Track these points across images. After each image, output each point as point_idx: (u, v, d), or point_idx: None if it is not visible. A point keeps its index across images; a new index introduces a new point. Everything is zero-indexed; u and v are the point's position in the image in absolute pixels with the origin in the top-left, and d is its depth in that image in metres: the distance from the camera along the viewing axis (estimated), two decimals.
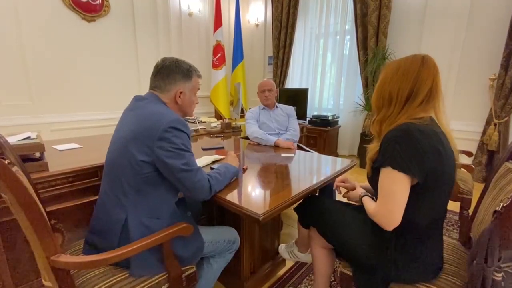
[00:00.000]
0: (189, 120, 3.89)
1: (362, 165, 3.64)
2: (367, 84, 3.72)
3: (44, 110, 3.25)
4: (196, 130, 2.37)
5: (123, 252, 0.80)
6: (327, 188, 1.40)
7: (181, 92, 1.06)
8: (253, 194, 1.13)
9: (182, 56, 4.65)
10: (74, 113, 3.49)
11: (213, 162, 1.46)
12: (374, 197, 1.05)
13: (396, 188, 0.81)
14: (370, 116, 3.64)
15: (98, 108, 3.68)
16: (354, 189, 1.17)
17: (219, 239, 1.14)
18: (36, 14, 3.05)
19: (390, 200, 0.82)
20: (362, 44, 3.69)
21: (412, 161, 0.79)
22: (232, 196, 1.07)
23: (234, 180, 1.21)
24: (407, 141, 0.80)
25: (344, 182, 1.22)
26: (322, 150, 3.91)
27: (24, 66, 3.04)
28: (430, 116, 0.89)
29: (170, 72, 1.04)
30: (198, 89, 1.15)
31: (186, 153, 0.94)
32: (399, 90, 0.89)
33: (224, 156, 1.48)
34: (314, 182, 1.23)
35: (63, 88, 3.35)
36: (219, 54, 4.49)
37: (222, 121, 2.77)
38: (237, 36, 4.66)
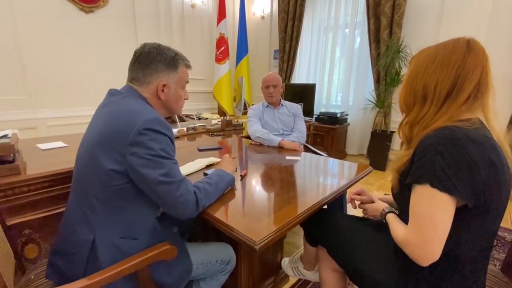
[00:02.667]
0: (191, 117, 3.72)
1: (372, 165, 3.41)
2: (379, 80, 3.49)
3: (41, 105, 3.13)
4: (194, 128, 2.20)
5: (82, 287, 0.63)
6: (337, 198, 1.22)
7: (164, 85, 0.88)
8: (250, 211, 0.92)
9: (184, 49, 4.48)
10: (72, 108, 3.36)
11: (208, 166, 1.29)
12: (400, 215, 0.86)
13: (436, 212, 0.63)
14: (381, 113, 3.42)
15: (97, 103, 3.53)
16: (372, 202, 0.99)
17: (211, 260, 0.97)
18: (32, 5, 2.91)
19: (428, 228, 0.64)
20: (374, 37, 3.45)
21: (459, 178, 0.61)
22: (223, 213, 0.88)
23: (228, 191, 1.03)
24: (452, 151, 0.61)
25: (359, 195, 1.04)
26: (329, 149, 3.72)
27: (20, 59, 2.93)
28: (478, 117, 0.69)
29: (150, 60, 0.85)
30: (187, 81, 0.97)
31: (166, 161, 0.76)
32: (437, 83, 0.70)
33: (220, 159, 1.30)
34: (327, 193, 1.03)
35: (61, 82, 3.22)
36: (223, 48, 4.30)
37: (222, 118, 2.59)
38: (242, 29, 4.47)
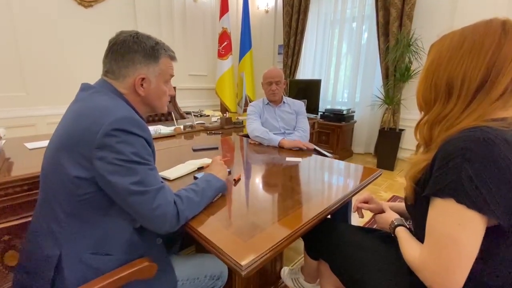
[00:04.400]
0: (194, 113, 3.62)
1: (380, 165, 3.29)
2: (388, 75, 3.33)
3: (40, 102, 3.08)
4: (191, 126, 2.10)
5: None
6: (341, 207, 1.10)
7: (142, 79, 0.77)
8: (240, 224, 0.77)
9: (186, 45, 4.42)
10: None
11: (200, 169, 1.18)
12: (413, 230, 0.74)
13: (461, 234, 0.51)
14: (390, 110, 3.26)
15: None
16: (381, 211, 0.87)
17: (199, 275, 0.87)
18: None
19: (450, 253, 0.52)
20: (383, 30, 3.29)
21: (492, 192, 0.49)
22: (207, 227, 0.75)
23: (218, 198, 0.92)
24: (484, 159, 0.50)
25: (367, 203, 0.92)
26: (335, 148, 3.58)
27: (18, 55, 2.88)
28: None
29: (126, 50, 0.74)
30: (172, 75, 0.85)
31: (139, 167, 0.66)
32: (464, 75, 0.57)
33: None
34: (331, 202, 0.90)
35: (60, 78, 3.15)
36: (225, 43, 4.18)
37: (222, 115, 2.48)
38: (245, 23, 4.33)
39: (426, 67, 0.66)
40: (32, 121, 3.07)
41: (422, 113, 0.69)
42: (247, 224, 0.76)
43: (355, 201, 0.97)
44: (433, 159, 0.58)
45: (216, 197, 0.90)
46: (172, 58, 0.84)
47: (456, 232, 0.51)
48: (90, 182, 0.64)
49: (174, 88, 3.25)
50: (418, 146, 0.70)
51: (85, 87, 0.76)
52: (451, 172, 0.52)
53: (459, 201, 0.51)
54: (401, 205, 0.89)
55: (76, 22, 3.18)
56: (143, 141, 0.68)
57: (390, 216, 0.80)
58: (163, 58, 0.80)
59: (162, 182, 0.72)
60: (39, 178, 0.74)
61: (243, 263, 0.58)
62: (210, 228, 0.74)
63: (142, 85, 0.77)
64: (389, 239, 0.83)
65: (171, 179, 1.06)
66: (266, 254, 0.62)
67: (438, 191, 0.54)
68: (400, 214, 0.83)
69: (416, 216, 0.69)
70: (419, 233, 0.67)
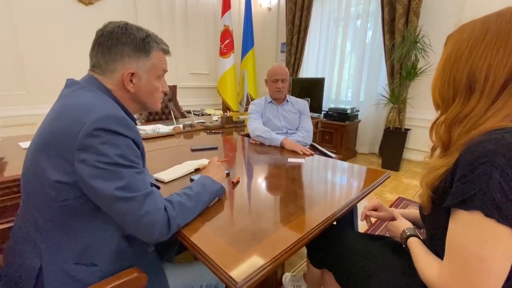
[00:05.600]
0: (194, 112, 3.56)
1: (385, 166, 3.21)
2: (393, 73, 3.25)
3: (40, 100, 3.06)
4: (191, 125, 2.05)
5: None
6: (347, 212, 1.03)
7: (132, 74, 0.71)
8: (237, 233, 0.70)
9: (187, 43, 4.37)
10: None
11: (197, 170, 1.13)
12: (427, 240, 0.68)
13: (490, 252, 0.45)
14: (395, 109, 3.18)
15: None
16: (392, 219, 0.81)
17: (194, 284, 0.81)
18: None
19: (477, 273, 0.46)
20: (389, 27, 3.20)
21: None
22: (201, 235, 0.68)
23: (215, 203, 0.85)
24: None
25: (376, 210, 0.85)
26: (338, 147, 3.51)
27: (18, 53, 2.85)
28: None
29: (113, 42, 0.68)
30: (165, 70, 0.79)
31: (125, 171, 0.60)
32: (489, 68, 0.51)
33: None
34: (335, 209, 0.83)
35: (60, 76, 3.07)
36: (227, 41, 4.12)
37: (222, 114, 2.42)
38: (247, 21, 4.28)
39: (443, 61, 0.60)
40: (33, 119, 3.05)
41: (439, 112, 0.62)
42: (245, 232, 0.70)
43: (362, 207, 0.90)
44: (454, 165, 0.51)
45: (213, 201, 0.83)
46: (165, 51, 0.78)
47: (484, 250, 0.45)
48: (72, 187, 0.59)
49: (175, 86, 3.20)
50: (433, 149, 0.64)
51: (69, 83, 0.70)
52: (477, 181, 0.46)
53: (487, 214, 0.44)
54: (413, 212, 0.82)
55: (77, 20, 3.15)
56: (129, 142, 0.62)
57: (402, 225, 0.73)
58: (155, 51, 0.74)
59: (152, 186, 0.67)
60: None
61: (238, 279, 0.52)
62: (204, 237, 0.67)
63: (131, 80, 0.71)
64: (399, 247, 0.76)
65: (166, 181, 1.01)
66: (264, 268, 0.56)
67: (462, 202, 0.48)
68: (413, 222, 0.77)
69: (432, 227, 0.62)
70: (435, 245, 0.60)
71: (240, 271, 0.54)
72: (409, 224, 0.73)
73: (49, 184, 0.58)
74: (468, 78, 0.54)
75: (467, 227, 0.48)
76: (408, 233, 0.69)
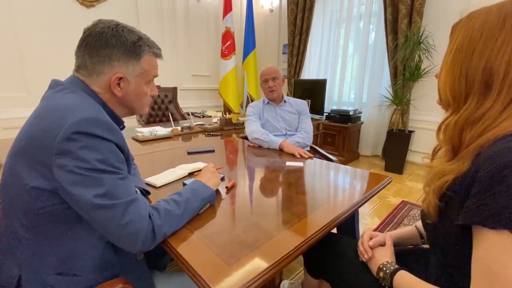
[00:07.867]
0: (195, 114, 3.54)
1: (388, 168, 3.15)
2: (396, 74, 3.19)
3: None
4: (189, 127, 2.02)
5: None
6: (347, 219, 0.99)
7: (120, 79, 0.67)
8: (227, 241, 0.66)
9: (189, 45, 4.35)
10: None
11: (191, 175, 1.10)
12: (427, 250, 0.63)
13: None
14: (399, 111, 3.12)
15: None
16: (383, 244, 0.74)
17: None
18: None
19: None
20: (392, 27, 3.15)
21: None
22: (188, 245, 0.64)
23: (206, 209, 0.81)
24: None
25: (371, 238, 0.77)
26: (341, 150, 3.46)
27: (19, 55, 2.86)
28: None
29: (102, 44, 0.65)
30: (155, 75, 0.76)
31: (106, 176, 0.56)
32: (509, 63, 0.45)
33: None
34: (335, 215, 0.78)
35: (61, 79, 3.11)
36: (229, 42, 4.11)
37: (221, 116, 2.39)
38: (249, 22, 4.26)
39: (452, 53, 0.53)
40: None
41: (448, 111, 0.55)
42: (235, 242, 0.66)
43: (362, 230, 0.83)
44: (467, 174, 0.46)
45: (203, 208, 0.80)
46: (157, 55, 0.75)
47: None
48: (51, 193, 0.56)
49: (175, 88, 3.17)
50: (435, 150, 0.59)
51: (53, 84, 0.67)
52: (504, 195, 0.40)
53: None
54: (407, 230, 0.78)
55: (78, 22, 3.15)
56: (111, 146, 0.59)
57: (380, 258, 0.66)
58: (146, 56, 0.71)
59: (141, 192, 0.64)
60: None
61: None
62: (192, 247, 0.64)
63: (119, 84, 0.68)
64: (404, 259, 0.72)
65: (157, 186, 0.98)
66: (253, 282, 0.53)
67: (486, 219, 0.42)
68: (408, 240, 0.72)
69: (438, 239, 0.57)
70: (441, 259, 0.56)
71: (229, 283, 0.51)
72: (387, 258, 0.67)
73: (26, 191, 0.55)
74: (484, 74, 0.48)
75: (495, 247, 0.42)
76: (392, 269, 0.63)
